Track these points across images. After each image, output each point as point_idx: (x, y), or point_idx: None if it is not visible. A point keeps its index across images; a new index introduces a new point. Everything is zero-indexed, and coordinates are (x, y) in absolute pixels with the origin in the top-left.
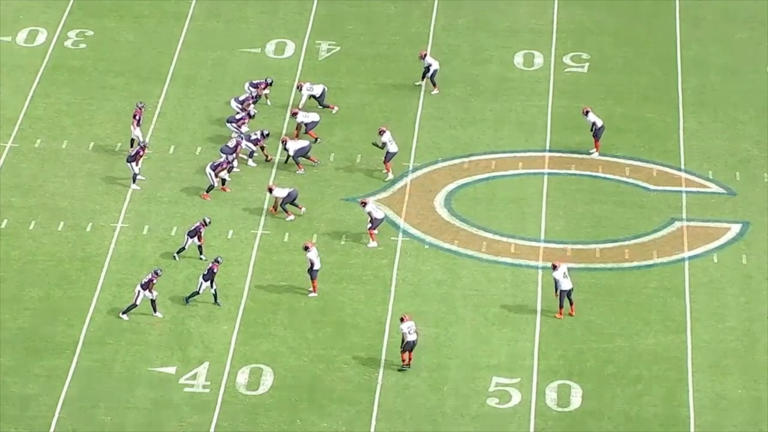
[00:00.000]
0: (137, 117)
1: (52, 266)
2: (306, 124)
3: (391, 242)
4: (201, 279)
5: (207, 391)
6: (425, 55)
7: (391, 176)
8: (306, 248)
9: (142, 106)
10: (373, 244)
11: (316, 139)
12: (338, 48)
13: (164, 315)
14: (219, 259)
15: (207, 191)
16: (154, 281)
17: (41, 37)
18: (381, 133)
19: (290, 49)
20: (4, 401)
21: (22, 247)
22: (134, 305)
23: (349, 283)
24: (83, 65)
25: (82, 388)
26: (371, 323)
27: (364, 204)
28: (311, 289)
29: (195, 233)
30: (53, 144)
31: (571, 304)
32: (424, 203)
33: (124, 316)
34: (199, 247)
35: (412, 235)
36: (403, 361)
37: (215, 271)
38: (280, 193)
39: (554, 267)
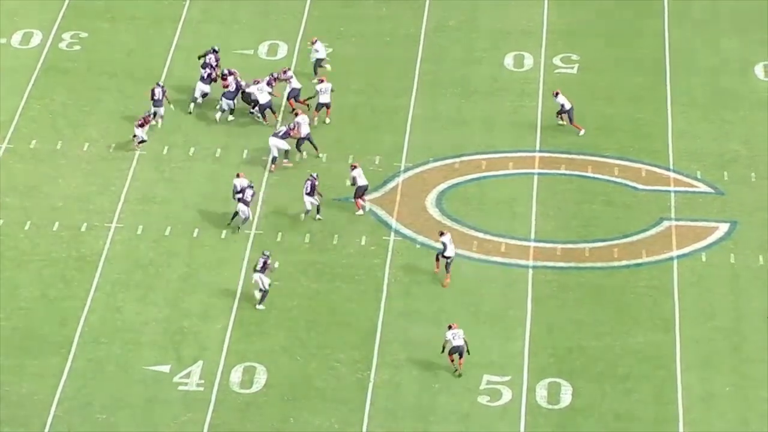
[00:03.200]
0: (143, 122)
1: (47, 266)
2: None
3: (383, 242)
4: (258, 275)
5: (201, 389)
6: (315, 42)
7: (361, 212)
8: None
9: (149, 115)
10: (360, 212)
11: (307, 103)
12: (330, 49)
13: (158, 314)
14: (266, 252)
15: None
16: (268, 263)
17: (36, 39)
18: (353, 168)
19: (283, 50)
20: (0, 400)
21: (18, 247)
22: (265, 292)
23: (342, 282)
24: (78, 67)
25: (77, 387)
26: (364, 322)
27: (354, 167)
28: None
29: (263, 269)
30: (48, 145)
31: (447, 271)
32: (416, 203)
33: (261, 306)
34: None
35: (403, 234)
36: (451, 361)
37: (268, 263)
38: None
39: (441, 233)
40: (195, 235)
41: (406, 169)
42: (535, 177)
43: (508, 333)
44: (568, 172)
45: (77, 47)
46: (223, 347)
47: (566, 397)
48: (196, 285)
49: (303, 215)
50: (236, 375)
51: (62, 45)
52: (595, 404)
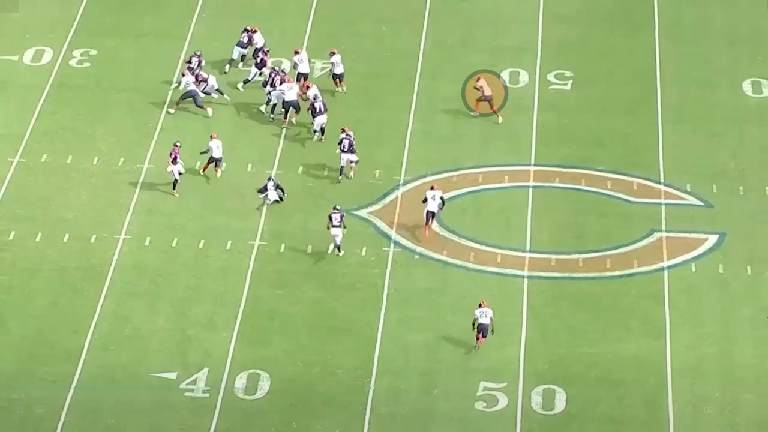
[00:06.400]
0: (172, 155)
1: (57, 276)
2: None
3: (383, 252)
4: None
5: (207, 395)
6: (334, 53)
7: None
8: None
9: (180, 146)
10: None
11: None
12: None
13: (165, 322)
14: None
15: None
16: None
17: (47, 56)
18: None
19: (286, 67)
20: (12, 405)
21: (29, 257)
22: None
23: (343, 291)
24: (87, 83)
25: (87, 393)
26: (364, 329)
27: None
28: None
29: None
30: (59, 159)
31: (426, 223)
32: (415, 215)
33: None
34: None
35: (402, 245)
36: (477, 339)
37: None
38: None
39: (432, 188)
40: (201, 246)
41: (405, 182)
42: (530, 190)
43: (504, 341)
44: (562, 185)
45: (87, 64)
46: (227, 354)
47: (560, 403)
48: (202, 294)
49: (339, 176)
50: (240, 381)
51: (72, 62)
52: (589, 410)
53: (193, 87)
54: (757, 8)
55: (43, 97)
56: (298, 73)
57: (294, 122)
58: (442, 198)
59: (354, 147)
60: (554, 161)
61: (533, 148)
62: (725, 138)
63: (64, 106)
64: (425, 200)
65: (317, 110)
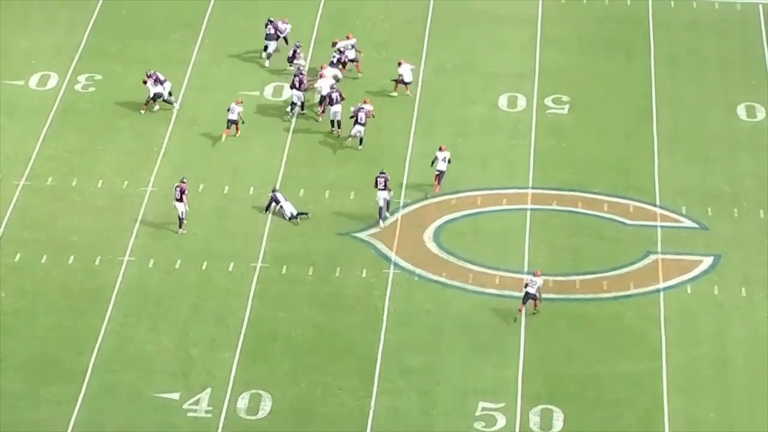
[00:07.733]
0: (179, 190)
1: (62, 297)
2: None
3: (383, 274)
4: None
5: (209, 415)
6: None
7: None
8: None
9: (186, 182)
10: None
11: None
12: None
13: (168, 343)
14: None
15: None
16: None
17: (52, 81)
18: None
19: (287, 92)
20: (17, 425)
21: (35, 279)
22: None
23: (344, 313)
24: (92, 108)
25: (91, 413)
26: (364, 350)
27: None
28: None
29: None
30: (64, 182)
31: (436, 182)
32: (415, 238)
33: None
34: None
35: (402, 267)
36: (519, 310)
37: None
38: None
39: (440, 149)
40: (203, 267)
41: (405, 205)
42: (528, 212)
43: (503, 361)
44: (559, 207)
45: (92, 89)
46: (230, 375)
47: (558, 423)
48: (205, 315)
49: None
50: (243, 402)
51: (77, 87)
52: (586, 430)
53: (158, 88)
54: (750, 34)
55: (49, 121)
56: (348, 59)
57: (320, 120)
58: (449, 160)
59: (370, 115)
60: (552, 184)
61: (531, 171)
62: (720, 162)
63: (69, 130)
64: (434, 161)
65: (334, 100)
